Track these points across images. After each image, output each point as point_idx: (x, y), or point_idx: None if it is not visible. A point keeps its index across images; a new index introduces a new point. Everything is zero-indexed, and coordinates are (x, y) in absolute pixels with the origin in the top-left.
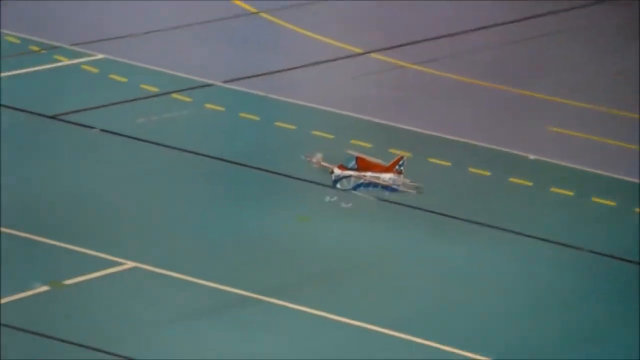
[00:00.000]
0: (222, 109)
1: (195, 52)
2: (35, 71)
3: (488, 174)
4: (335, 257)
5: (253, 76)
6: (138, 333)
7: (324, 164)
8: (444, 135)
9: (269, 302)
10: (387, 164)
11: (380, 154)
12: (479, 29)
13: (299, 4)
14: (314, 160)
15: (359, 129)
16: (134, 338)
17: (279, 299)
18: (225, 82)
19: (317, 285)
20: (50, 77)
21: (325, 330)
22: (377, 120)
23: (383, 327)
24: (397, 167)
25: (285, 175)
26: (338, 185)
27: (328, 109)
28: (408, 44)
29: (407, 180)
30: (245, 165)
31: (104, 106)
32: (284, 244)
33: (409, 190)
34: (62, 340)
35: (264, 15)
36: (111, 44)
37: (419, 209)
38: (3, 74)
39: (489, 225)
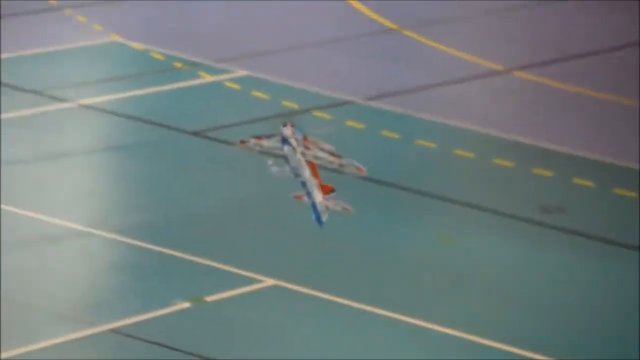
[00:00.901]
0: (363, 126)
1: (336, 68)
2: (178, 88)
3: (634, 195)
4: (479, 277)
5: (394, 93)
6: (277, 351)
7: (262, 142)
8: (588, 156)
9: (413, 324)
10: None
11: (523, 173)
12: (623, 47)
13: (440, 20)
14: (251, 143)
15: (501, 147)
16: (274, 356)
17: (424, 320)
18: (366, 99)
19: (458, 305)
20: (193, 93)
21: (469, 352)
22: (519, 138)
23: (526, 349)
24: (328, 194)
25: (425, 194)
26: (285, 148)
27: (469, 127)
28: (550, 61)
29: (333, 204)
30: (385, 183)
31: (245, 123)
32: (425, 262)
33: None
34: (203, 357)
35: (405, 32)
36: (253, 61)
37: (556, 228)
38: (147, 90)
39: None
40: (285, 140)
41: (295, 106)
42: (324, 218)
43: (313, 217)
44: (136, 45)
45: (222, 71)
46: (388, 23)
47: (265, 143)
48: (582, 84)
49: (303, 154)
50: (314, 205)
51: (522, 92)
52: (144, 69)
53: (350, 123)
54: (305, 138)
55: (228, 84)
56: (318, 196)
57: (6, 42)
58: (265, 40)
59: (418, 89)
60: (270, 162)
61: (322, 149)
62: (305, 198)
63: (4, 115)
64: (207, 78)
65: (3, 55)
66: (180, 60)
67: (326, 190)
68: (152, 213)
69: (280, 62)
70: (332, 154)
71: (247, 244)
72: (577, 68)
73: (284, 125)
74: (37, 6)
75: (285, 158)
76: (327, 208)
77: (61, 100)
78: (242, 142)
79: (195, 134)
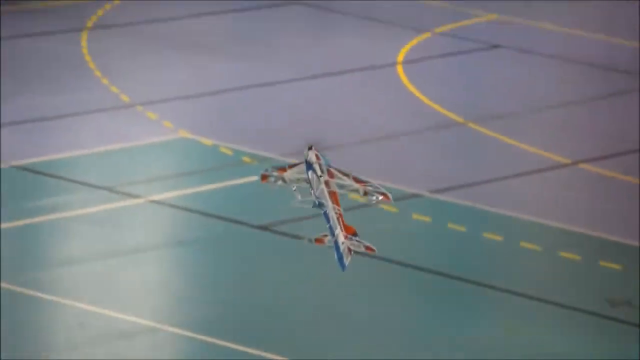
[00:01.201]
0: (429, 219)
1: (402, 161)
2: (246, 182)
3: None
4: None
5: (460, 186)
6: None
7: (284, 174)
8: None
9: None
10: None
11: (589, 266)
12: None
13: (504, 113)
14: (273, 175)
15: (567, 240)
16: None
17: None
18: (432, 191)
19: None
20: (260, 187)
21: None
22: (585, 231)
23: None
24: (350, 237)
25: (492, 287)
26: (309, 174)
27: (535, 219)
28: (614, 154)
29: (355, 245)
30: (452, 276)
31: (314, 216)
32: (492, 355)
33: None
34: None
35: (470, 124)
36: (320, 154)
37: (624, 322)
38: (216, 185)
39: None
40: (310, 166)
41: (364, 199)
42: (347, 262)
43: (335, 257)
44: (205, 140)
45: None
46: (454, 116)
47: (288, 175)
48: None
49: (327, 183)
50: (336, 245)
51: (587, 184)
52: (213, 164)
53: (416, 216)
54: (329, 166)
55: None
56: (340, 235)
57: (80, 139)
58: (331, 133)
59: (484, 182)
60: (294, 188)
61: (345, 175)
62: (328, 238)
63: (77, 212)
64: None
65: (77, 153)
66: (248, 154)
67: (349, 231)
68: (221, 307)
69: (346, 154)
70: (356, 180)
71: (315, 340)
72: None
73: (309, 149)
74: (109, 104)
75: (309, 186)
76: (350, 250)
77: (132, 196)
78: (264, 176)
79: (263, 228)
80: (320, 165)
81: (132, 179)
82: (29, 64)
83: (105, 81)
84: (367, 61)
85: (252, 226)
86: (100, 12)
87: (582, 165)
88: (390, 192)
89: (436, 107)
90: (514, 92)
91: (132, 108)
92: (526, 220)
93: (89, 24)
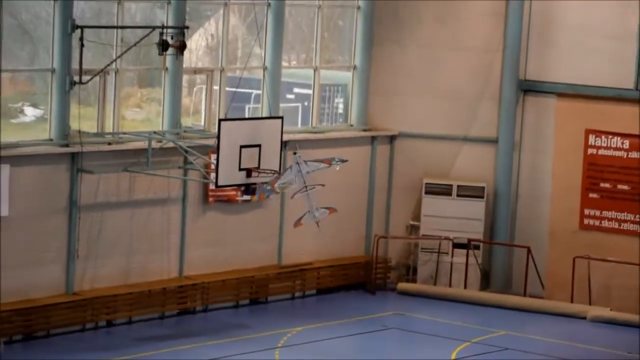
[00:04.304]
0: None
1: None
2: None
3: None
4: None
5: None
6: None
7: (274, 186)
8: None
9: None
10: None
11: None
12: None
13: None
14: (267, 190)
15: None
16: None
17: None
18: None
19: None
20: None
21: None
22: None
23: None
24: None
25: None
26: (293, 173)
27: None
28: None
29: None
30: None
31: None
32: None
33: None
34: None
35: None
36: None
37: None
38: None
39: None
40: (296, 166)
41: None
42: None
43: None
44: None
45: None
46: None
47: (276, 185)
48: None
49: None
50: (310, 212)
51: None
52: None
53: None
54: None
55: None
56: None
57: None
58: None
59: None
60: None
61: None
62: (304, 218)
63: None
64: None
65: None
66: None
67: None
68: None
69: None
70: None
71: None
72: None
73: (294, 153)
74: None
75: (293, 183)
76: (316, 218)
77: None
78: (261, 195)
79: None
80: (301, 173)
81: None
82: None
83: None
84: None
85: None
86: (285, 338)
87: None
88: None
89: None
90: None
91: None
92: None
93: (279, 344)
